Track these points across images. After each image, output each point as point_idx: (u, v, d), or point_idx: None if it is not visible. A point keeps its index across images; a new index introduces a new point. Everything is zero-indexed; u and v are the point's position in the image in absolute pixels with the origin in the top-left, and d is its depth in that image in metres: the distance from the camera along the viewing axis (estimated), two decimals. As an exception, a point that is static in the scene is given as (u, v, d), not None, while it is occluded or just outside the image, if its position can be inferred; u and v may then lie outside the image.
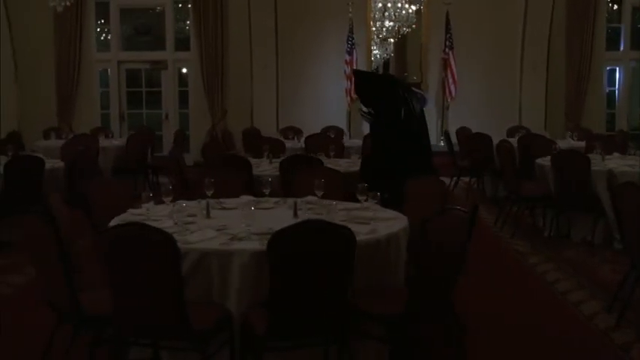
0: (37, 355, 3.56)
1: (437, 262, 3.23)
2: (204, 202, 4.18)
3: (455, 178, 9.54)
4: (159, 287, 2.92)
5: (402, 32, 12.69)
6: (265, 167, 6.58)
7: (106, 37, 13.20)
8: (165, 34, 13.11)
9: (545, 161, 6.98)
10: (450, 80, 12.35)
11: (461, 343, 3.57)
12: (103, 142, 9.26)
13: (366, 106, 6.03)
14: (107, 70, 13.19)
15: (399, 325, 3.31)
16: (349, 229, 2.97)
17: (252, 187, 5.52)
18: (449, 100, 12.43)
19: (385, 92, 5.79)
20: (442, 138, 12.51)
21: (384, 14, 12.52)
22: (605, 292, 4.97)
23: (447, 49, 12.36)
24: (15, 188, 6.22)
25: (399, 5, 12.68)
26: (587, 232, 6.64)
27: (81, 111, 12.92)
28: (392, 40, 12.60)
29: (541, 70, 12.29)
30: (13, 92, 12.53)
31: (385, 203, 4.41)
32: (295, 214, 3.97)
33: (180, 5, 13.18)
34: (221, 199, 4.44)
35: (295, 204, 4.02)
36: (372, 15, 12.54)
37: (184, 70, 13.30)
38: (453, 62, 12.30)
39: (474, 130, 10.07)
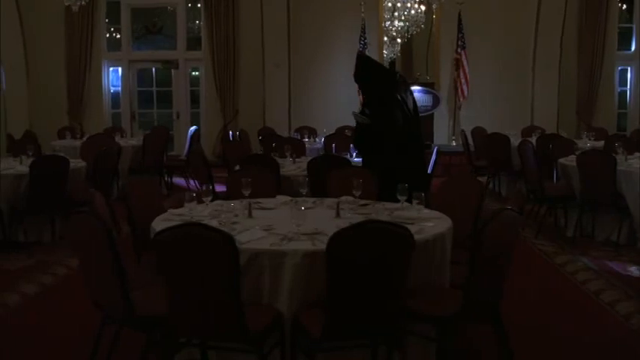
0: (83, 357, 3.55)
1: (490, 263, 3.21)
2: (245, 202, 4.18)
3: (471, 178, 9.53)
4: (217, 287, 2.90)
5: (410, 32, 12.73)
6: (290, 167, 6.56)
7: (117, 37, 13.17)
8: (177, 34, 13.10)
9: (568, 161, 6.98)
10: (463, 80, 12.33)
11: (507, 345, 3.56)
12: (119, 141, 9.22)
13: (363, 93, 5.89)
14: (118, 70, 13.16)
15: (449, 326, 3.30)
16: (409, 230, 2.96)
17: (280, 187, 5.51)
18: (461, 99, 12.42)
19: (384, 87, 5.64)
20: (453, 138, 12.54)
21: (393, 14, 12.55)
22: (637, 291, 4.96)
23: (459, 49, 12.35)
24: (41, 188, 6.19)
25: (409, 5, 12.74)
26: (610, 232, 6.64)
27: (91, 110, 12.94)
28: (399, 40, 12.61)
29: (553, 69, 12.29)
30: (24, 91, 12.51)
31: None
32: (338, 215, 3.96)
33: (190, 5, 13.15)
34: (258, 199, 4.43)
35: (338, 204, 4.01)
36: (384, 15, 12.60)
37: (196, 73, 13.28)
38: (465, 62, 12.29)
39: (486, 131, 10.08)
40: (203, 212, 3.96)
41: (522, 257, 6.25)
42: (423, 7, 12.87)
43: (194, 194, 3.89)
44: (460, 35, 12.33)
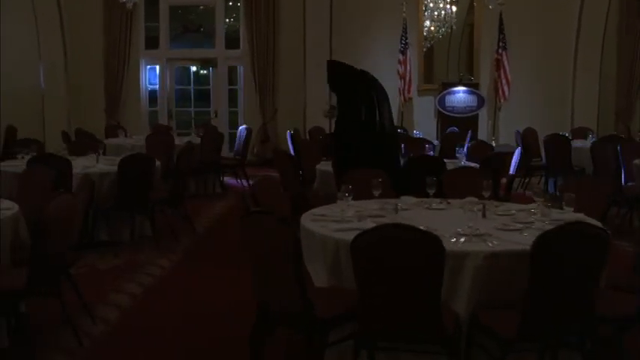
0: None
1: None
2: (379, 202, 4.16)
3: (527, 179, 9.54)
4: (420, 289, 2.88)
5: (441, 33, 12.75)
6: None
7: (155, 35, 13.09)
8: (215, 32, 13.04)
9: (643, 162, 7.00)
10: (503, 81, 12.32)
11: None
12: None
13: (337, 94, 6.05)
14: (156, 68, 13.09)
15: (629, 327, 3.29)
16: (606, 231, 2.94)
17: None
18: (501, 100, 12.41)
19: (357, 89, 5.71)
20: (493, 138, 12.53)
21: (424, 14, 12.60)
22: None
23: (500, 50, 12.33)
24: (129, 187, 6.14)
25: (441, 5, 12.76)
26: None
27: (129, 109, 12.88)
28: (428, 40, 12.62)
29: (594, 70, 12.30)
30: (63, 90, 12.42)
31: None
32: (484, 216, 3.94)
33: (230, 3, 13.10)
34: (386, 200, 4.40)
35: (484, 206, 3.99)
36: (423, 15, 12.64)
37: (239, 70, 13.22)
38: (506, 63, 12.27)
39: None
40: (347, 212, 3.93)
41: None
42: (454, 8, 12.96)
43: (347, 194, 3.85)
44: (501, 36, 12.31)
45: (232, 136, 11.94)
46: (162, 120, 12.89)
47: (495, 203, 4.31)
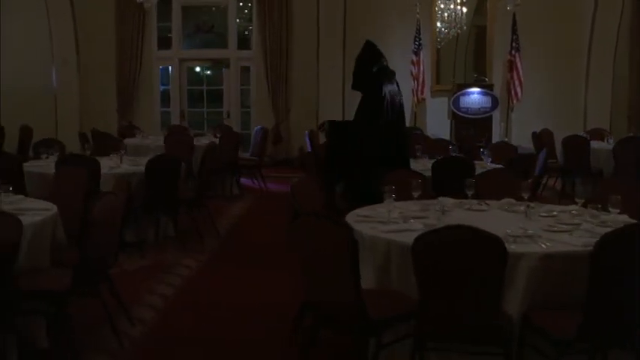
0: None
1: None
2: (421, 203, 4.16)
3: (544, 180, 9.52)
4: (483, 291, 2.87)
5: (452, 34, 12.75)
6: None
7: (167, 35, 13.08)
8: (228, 32, 13.03)
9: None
10: (516, 82, 12.32)
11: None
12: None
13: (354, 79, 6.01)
14: (168, 68, 13.08)
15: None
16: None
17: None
18: (514, 102, 12.41)
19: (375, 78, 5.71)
20: (506, 139, 12.52)
21: (437, 15, 12.60)
22: None
23: (513, 51, 12.33)
24: (157, 187, 6.13)
25: (451, 7, 12.77)
26: None
27: (141, 109, 12.87)
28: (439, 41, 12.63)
29: (607, 71, 12.30)
30: (76, 90, 12.42)
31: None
32: (527, 216, 3.94)
33: (242, 3, 13.09)
34: (423, 201, 4.40)
35: (527, 207, 3.98)
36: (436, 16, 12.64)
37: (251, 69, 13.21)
38: (519, 64, 12.27)
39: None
40: (393, 213, 3.92)
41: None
42: (464, 9, 12.98)
43: (393, 195, 3.85)
44: (514, 37, 12.31)
45: (244, 137, 11.91)
46: (175, 120, 12.87)
47: (532, 204, 4.30)
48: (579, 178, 9.31)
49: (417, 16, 12.34)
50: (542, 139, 10.22)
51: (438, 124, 12.39)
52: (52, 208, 4.28)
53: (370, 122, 5.68)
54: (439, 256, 2.88)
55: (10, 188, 4.27)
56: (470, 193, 4.44)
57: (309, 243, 3.26)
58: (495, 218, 3.94)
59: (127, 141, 9.45)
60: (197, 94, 13.34)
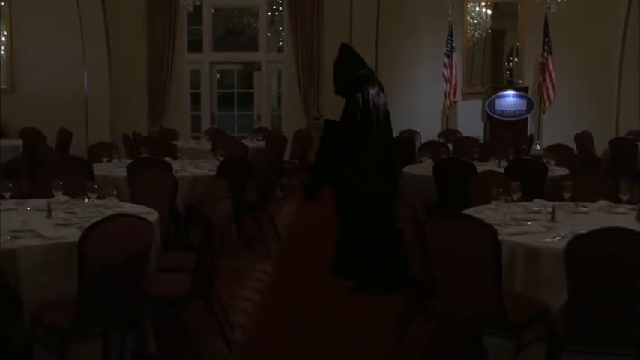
0: None
1: None
2: (530, 205, 4.16)
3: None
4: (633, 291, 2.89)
5: (475, 37, 12.82)
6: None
7: (197, 38, 13.05)
8: (259, 35, 13.02)
9: None
10: (549, 85, 12.33)
11: None
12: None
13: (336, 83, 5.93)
14: (198, 71, 13.06)
15: None
16: None
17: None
18: (546, 104, 12.41)
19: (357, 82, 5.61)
20: (538, 142, 12.53)
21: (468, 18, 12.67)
22: None
23: (545, 53, 12.34)
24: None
25: (477, 10, 12.86)
26: None
27: (172, 112, 12.84)
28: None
29: (640, 75, 12.34)
30: (107, 94, 12.39)
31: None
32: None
33: (273, 6, 13.08)
34: (522, 203, 4.40)
35: (639, 209, 3.99)
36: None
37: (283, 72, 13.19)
38: (551, 66, 12.28)
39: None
40: (506, 216, 3.91)
41: None
42: (489, 12, 13.05)
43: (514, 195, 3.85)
44: (546, 40, 12.31)
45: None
46: (205, 123, 12.84)
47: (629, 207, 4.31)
48: (627, 179, 9.32)
49: (450, 19, 12.33)
50: (581, 140, 10.26)
51: (470, 127, 12.37)
52: (153, 213, 4.26)
53: (359, 124, 5.57)
54: (595, 258, 2.88)
55: (115, 192, 4.25)
56: (567, 195, 4.44)
57: (448, 245, 3.25)
58: (604, 220, 3.91)
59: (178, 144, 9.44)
60: (227, 97, 13.31)
